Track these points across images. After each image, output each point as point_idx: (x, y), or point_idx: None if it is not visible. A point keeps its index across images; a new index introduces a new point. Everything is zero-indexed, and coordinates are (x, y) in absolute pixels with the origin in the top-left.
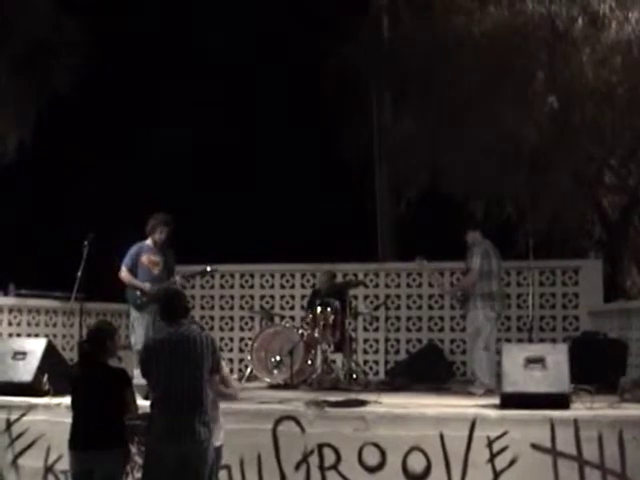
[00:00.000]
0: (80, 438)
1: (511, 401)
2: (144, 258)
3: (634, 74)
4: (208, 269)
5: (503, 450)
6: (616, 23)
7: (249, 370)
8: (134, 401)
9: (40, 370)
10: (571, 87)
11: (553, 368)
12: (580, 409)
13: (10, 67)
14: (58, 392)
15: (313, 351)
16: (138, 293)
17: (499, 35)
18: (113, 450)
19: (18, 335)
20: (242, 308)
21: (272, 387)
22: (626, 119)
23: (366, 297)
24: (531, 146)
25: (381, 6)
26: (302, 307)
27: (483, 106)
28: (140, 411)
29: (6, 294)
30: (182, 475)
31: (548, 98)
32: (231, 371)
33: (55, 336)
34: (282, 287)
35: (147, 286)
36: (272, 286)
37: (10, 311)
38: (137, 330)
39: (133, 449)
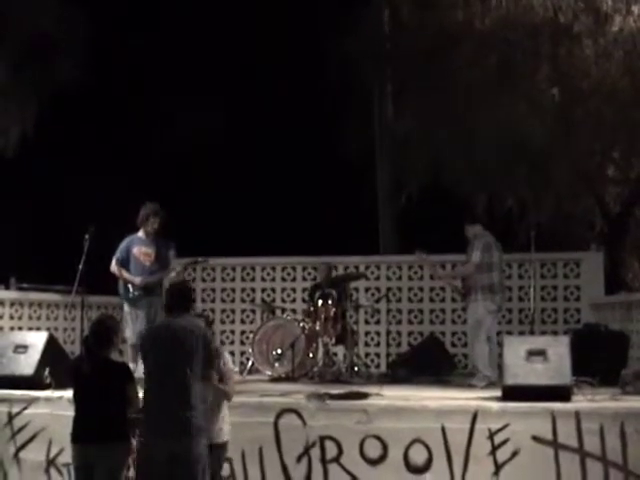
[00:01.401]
0: (82, 432)
1: (512, 393)
2: (135, 250)
3: (637, 67)
4: (200, 259)
5: (504, 442)
6: (619, 17)
7: (250, 363)
8: (136, 395)
9: (41, 363)
10: (574, 80)
11: (554, 360)
12: (581, 401)
13: (12, 60)
14: (59, 385)
15: (314, 344)
16: (130, 287)
17: (502, 30)
18: (115, 444)
19: (19, 328)
20: (243, 301)
21: (273, 380)
22: (628, 112)
23: (367, 290)
24: (533, 139)
25: (382, 0)
26: (303, 300)
27: (485, 101)
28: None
29: (7, 288)
30: (173, 471)
31: (551, 91)
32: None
33: (56, 329)
34: (283, 280)
35: (137, 280)
36: (273, 279)
37: (11, 305)
38: (130, 324)
39: (134, 442)
